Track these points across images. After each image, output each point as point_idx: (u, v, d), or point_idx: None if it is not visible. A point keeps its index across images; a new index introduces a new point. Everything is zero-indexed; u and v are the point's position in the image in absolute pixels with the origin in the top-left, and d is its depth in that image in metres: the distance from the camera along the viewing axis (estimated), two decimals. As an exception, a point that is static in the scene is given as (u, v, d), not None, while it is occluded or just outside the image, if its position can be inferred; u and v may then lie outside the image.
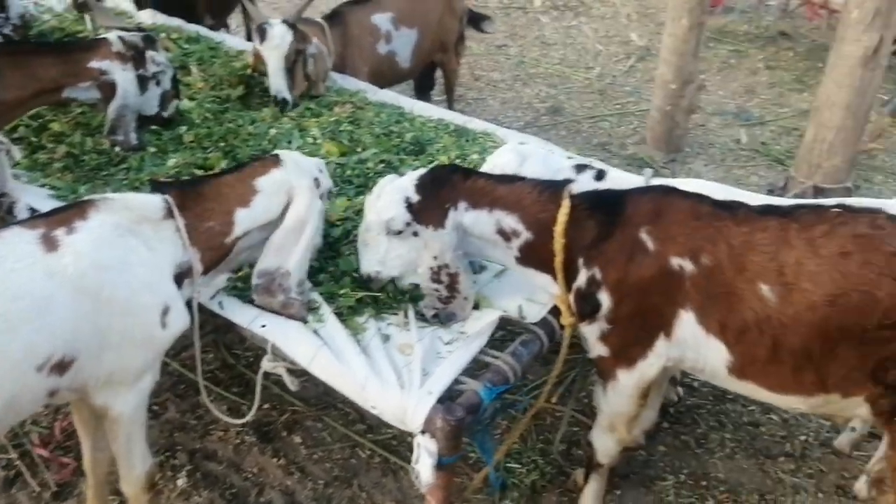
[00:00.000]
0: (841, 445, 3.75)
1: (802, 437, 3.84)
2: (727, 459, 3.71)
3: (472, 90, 7.42)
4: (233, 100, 4.45)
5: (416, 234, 2.84)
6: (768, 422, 3.93)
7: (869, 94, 5.13)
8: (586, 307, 2.77)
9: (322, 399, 3.86)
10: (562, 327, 2.93)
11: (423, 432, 2.51)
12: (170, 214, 2.66)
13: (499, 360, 2.76)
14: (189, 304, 2.74)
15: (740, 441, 3.81)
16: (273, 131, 4.10)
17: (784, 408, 3.62)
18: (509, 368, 2.73)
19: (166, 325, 2.59)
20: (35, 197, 3.36)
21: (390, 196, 2.83)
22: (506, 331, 3.00)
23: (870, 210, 2.52)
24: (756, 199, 3.01)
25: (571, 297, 2.81)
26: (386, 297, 2.98)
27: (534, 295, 3.01)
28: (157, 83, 3.82)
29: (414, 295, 2.97)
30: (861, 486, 3.51)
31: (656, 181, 3.26)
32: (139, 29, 3.92)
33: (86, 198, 2.64)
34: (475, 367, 2.79)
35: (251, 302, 2.89)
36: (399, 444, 3.64)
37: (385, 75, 5.38)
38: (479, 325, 2.85)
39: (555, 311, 2.95)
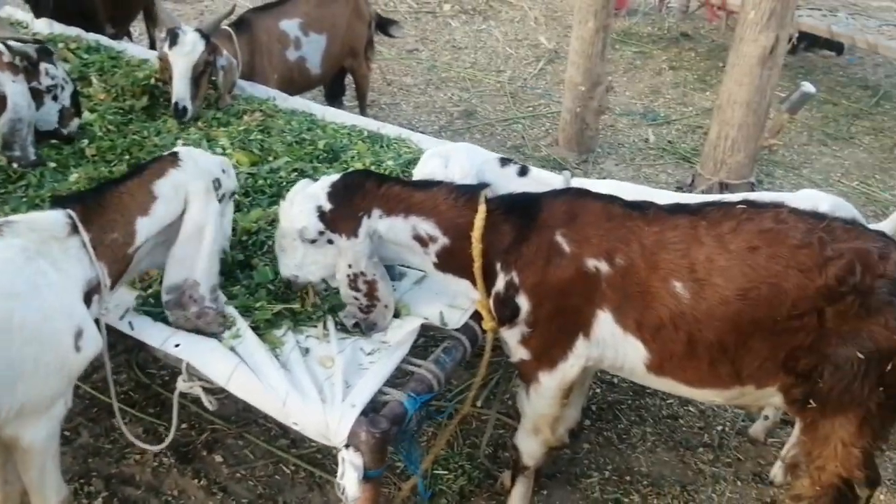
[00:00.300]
0: (756, 434, 3.88)
1: (719, 428, 3.95)
2: (649, 453, 3.79)
3: (385, 95, 7.39)
4: (137, 111, 4.30)
5: (330, 241, 2.79)
6: (686, 414, 4.03)
7: (768, 91, 5.33)
8: (506, 311, 2.78)
9: (242, 415, 3.76)
10: (484, 332, 2.93)
11: (347, 446, 2.47)
12: (75, 230, 2.55)
13: (422, 369, 2.74)
14: (97, 322, 2.63)
15: (661, 434, 3.89)
16: (180, 142, 3.97)
17: (702, 401, 3.72)
18: (433, 376, 2.71)
19: (80, 349, 2.49)
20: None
21: (302, 204, 2.78)
22: (428, 338, 2.99)
23: (773, 205, 2.62)
24: (674, 198, 3.09)
25: (491, 302, 2.82)
26: (304, 309, 2.92)
27: (454, 301, 3.01)
28: (55, 98, 3.66)
29: (333, 305, 2.93)
30: (777, 472, 3.63)
31: (576, 182, 3.31)
32: (35, 40, 3.75)
33: (-13, 222, 2.50)
34: (398, 377, 2.76)
35: (163, 320, 2.79)
36: (324, 457, 3.58)
37: (295, 82, 5.31)
38: (401, 334, 2.83)
39: (476, 316, 2.95)
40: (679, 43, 9.09)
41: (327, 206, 2.77)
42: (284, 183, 3.67)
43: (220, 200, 2.82)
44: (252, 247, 3.24)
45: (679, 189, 5.78)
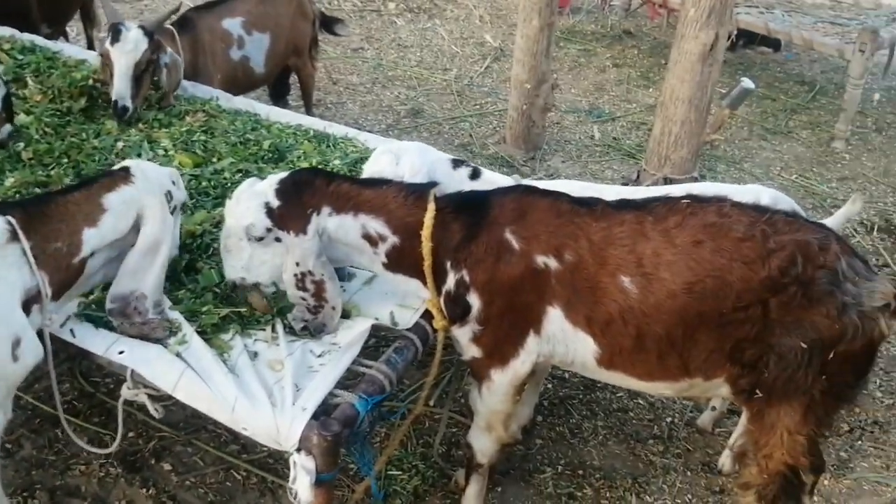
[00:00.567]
0: (704, 424, 3.94)
1: (669, 419, 4.01)
2: (601, 446, 3.83)
3: (331, 94, 7.33)
4: (75, 112, 4.18)
5: (278, 239, 2.75)
6: (636, 406, 4.08)
7: (709, 87, 5.41)
8: (457, 310, 2.78)
9: (191, 422, 3.70)
10: (435, 331, 2.92)
11: (298, 450, 2.44)
12: (14, 237, 2.47)
13: (373, 370, 2.71)
14: (41, 333, 2.56)
15: (612, 428, 3.93)
16: (120, 144, 3.88)
17: (651, 393, 3.78)
18: (384, 377, 2.69)
19: (18, 358, 2.42)
20: None
21: (249, 201, 2.73)
22: (379, 338, 2.97)
23: (717, 199, 2.66)
24: (638, 193, 3.12)
25: (442, 301, 2.81)
26: (251, 312, 2.88)
27: (405, 300, 2.99)
28: None
29: (281, 307, 2.89)
30: (725, 461, 3.70)
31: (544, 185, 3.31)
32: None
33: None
34: (350, 379, 2.74)
35: (106, 326, 2.73)
36: (276, 462, 3.54)
37: (239, 81, 5.23)
38: (351, 335, 2.80)
39: (428, 315, 2.94)
40: (622, 41, 9.20)
41: (275, 203, 2.73)
42: (229, 184, 3.60)
43: (171, 213, 2.79)
44: (197, 250, 3.18)
45: (625, 185, 5.84)
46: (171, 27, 4.70)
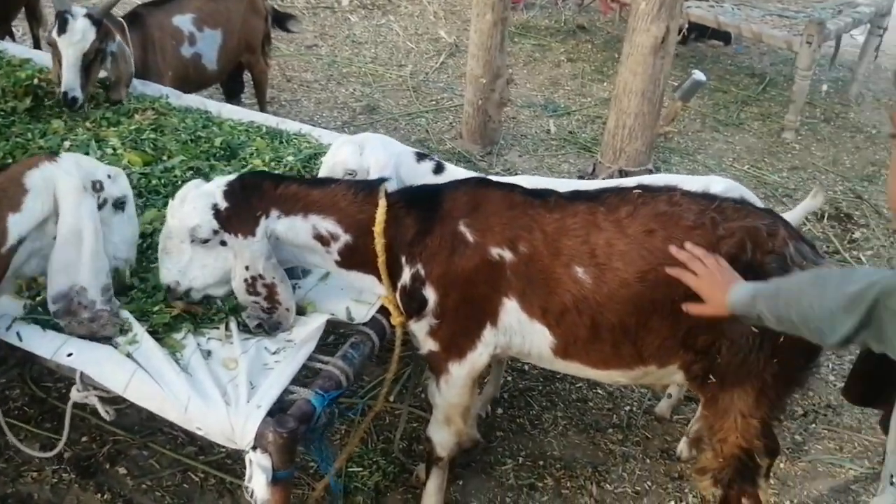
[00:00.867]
0: (661, 412, 3.99)
1: (627, 408, 4.05)
2: (561, 437, 3.85)
3: (285, 91, 7.26)
4: (20, 112, 4.08)
5: (223, 242, 2.71)
6: (595, 396, 4.11)
7: (661, 80, 5.48)
8: (413, 304, 2.77)
9: (146, 425, 3.64)
10: (392, 326, 2.91)
11: (254, 448, 2.40)
12: None
13: (329, 365, 2.69)
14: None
15: (571, 418, 3.96)
16: (67, 143, 3.79)
17: (608, 382, 3.81)
18: (340, 372, 2.66)
19: None
20: None
21: (196, 202, 2.67)
22: (338, 335, 2.94)
23: (667, 188, 2.69)
24: (592, 186, 3.14)
25: (398, 296, 2.80)
26: (205, 309, 2.83)
27: (361, 296, 2.97)
28: None
29: (234, 305, 2.85)
30: (683, 447, 3.75)
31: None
32: None
33: None
34: (307, 375, 2.71)
35: (54, 328, 2.66)
36: (234, 462, 3.50)
37: (191, 79, 5.15)
38: (307, 332, 2.77)
39: (384, 310, 2.92)
40: (576, 35, 9.27)
41: (223, 205, 2.68)
42: (179, 182, 3.53)
43: (101, 206, 2.66)
44: (147, 249, 3.12)
45: (581, 178, 5.88)
46: (122, 20, 4.62)
